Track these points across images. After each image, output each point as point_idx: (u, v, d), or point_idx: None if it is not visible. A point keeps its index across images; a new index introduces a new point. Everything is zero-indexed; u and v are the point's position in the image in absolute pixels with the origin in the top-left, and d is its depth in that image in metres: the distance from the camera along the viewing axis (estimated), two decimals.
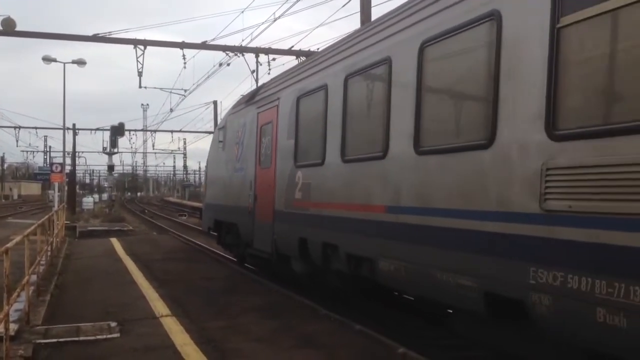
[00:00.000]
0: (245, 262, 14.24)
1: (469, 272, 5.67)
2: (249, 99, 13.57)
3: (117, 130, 36.43)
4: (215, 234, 16.11)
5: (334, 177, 8.66)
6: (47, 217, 14.09)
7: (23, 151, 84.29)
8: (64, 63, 31.98)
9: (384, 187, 7.25)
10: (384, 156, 7.26)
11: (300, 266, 10.32)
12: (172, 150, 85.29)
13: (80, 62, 31.62)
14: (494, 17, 5.50)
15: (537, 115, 5.00)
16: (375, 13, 13.95)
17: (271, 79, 13.18)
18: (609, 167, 4.34)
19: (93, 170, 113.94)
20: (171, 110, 38.28)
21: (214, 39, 21.72)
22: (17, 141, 57.70)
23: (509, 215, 5.24)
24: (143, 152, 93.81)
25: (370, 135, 7.75)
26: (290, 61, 21.65)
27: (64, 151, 35.95)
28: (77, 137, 44.88)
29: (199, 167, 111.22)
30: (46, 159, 74.66)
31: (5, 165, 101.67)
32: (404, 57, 7.02)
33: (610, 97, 4.58)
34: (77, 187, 62.88)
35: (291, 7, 32.29)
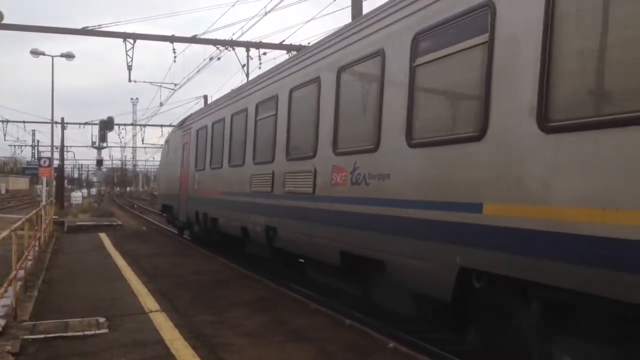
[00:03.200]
0: (183, 234, 20.84)
1: (239, 219, 12.60)
2: (181, 124, 20.80)
3: (106, 125, 36.08)
4: (165, 215, 23.75)
5: (209, 177, 15.72)
6: (34, 211, 13.96)
7: (11, 145, 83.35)
8: (52, 56, 31.66)
9: (222, 181, 14.19)
10: (222, 167, 14.28)
11: (197, 228, 17.67)
12: (161, 145, 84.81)
13: (69, 56, 31.30)
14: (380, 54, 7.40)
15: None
16: (367, 7, 13.91)
17: (190, 114, 20.57)
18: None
19: (82, 165, 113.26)
20: (161, 104, 38.11)
21: (204, 33, 21.75)
22: (4, 135, 57.15)
23: (245, 194, 12.05)
24: (132, 147, 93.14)
25: (218, 155, 14.59)
26: (281, 55, 21.59)
27: (52, 145, 35.67)
28: (65, 131, 44.60)
29: None
30: (34, 153, 73.96)
31: None
32: (238, 119, 13.35)
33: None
34: (66, 181, 62.44)
35: (282, 1, 32.07)
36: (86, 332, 7.12)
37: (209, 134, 15.79)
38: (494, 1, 5.52)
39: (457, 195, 5.81)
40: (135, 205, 52.46)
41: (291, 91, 10.07)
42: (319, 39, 10.04)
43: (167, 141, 23.78)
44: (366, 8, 14.74)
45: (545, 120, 4.79)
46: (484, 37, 5.55)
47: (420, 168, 6.50)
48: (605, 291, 4.26)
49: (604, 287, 4.27)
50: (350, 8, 15.25)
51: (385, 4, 7.49)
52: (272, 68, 12.02)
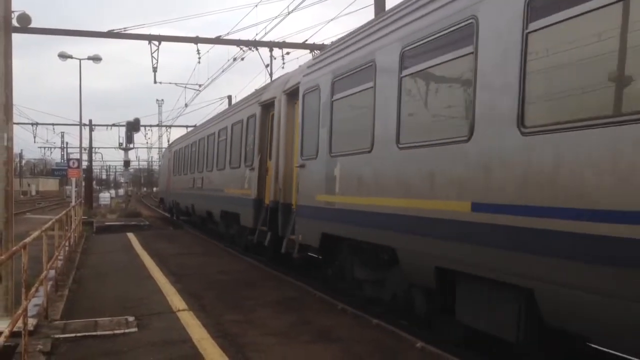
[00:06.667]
0: (174, 217, 30.93)
1: (185, 203, 25.09)
2: (169, 146, 34.16)
3: (133, 126, 36.55)
4: (161, 204, 39.42)
5: (177, 180, 27.95)
6: (64, 212, 14.19)
7: (40, 147, 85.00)
8: (80, 59, 32.13)
9: (181, 182, 26.38)
10: (181, 175, 26.57)
11: (175, 211, 29.94)
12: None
13: (96, 59, 31.73)
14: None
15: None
16: (390, 3, 13.77)
17: (174, 140, 34.00)
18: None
19: (109, 166, 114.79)
20: (186, 105, 38.48)
21: (228, 34, 21.88)
22: (34, 137, 58.55)
23: (187, 189, 24.49)
24: (159, 147, 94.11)
25: (181, 167, 26.99)
26: (305, 55, 21.60)
27: (80, 147, 36.21)
28: (93, 133, 45.24)
29: None
30: (63, 155, 75.31)
31: (23, 162, 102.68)
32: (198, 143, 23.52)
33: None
34: (94, 182, 63.36)
35: (304, 0, 32.07)
36: (116, 331, 7.21)
37: (179, 154, 27.98)
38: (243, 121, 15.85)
39: (220, 187, 17.58)
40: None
41: (198, 140, 22.34)
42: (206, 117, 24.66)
43: (162, 155, 41.32)
44: (389, 3, 14.63)
45: (249, 166, 14.53)
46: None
47: (218, 178, 18.09)
48: (238, 210, 15.16)
49: (237, 209, 15.31)
50: (373, 6, 15.17)
51: None
52: (198, 126, 27.42)
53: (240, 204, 14.83)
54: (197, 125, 28.73)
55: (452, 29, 6.28)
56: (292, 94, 11.61)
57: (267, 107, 13.32)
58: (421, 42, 6.82)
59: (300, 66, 12.73)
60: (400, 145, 7.15)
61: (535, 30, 5.19)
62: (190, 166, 23.80)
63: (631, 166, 4.15)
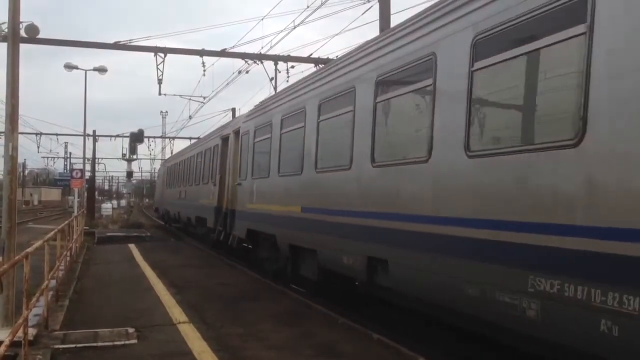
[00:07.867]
0: (167, 224, 35.81)
1: (174, 210, 30.97)
2: (164, 162, 44.37)
3: (136, 137, 36.74)
4: (156, 212, 48.51)
5: (169, 191, 34.14)
6: (66, 222, 14.18)
7: (44, 157, 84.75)
8: (85, 70, 32.32)
9: (172, 193, 32.13)
10: (172, 187, 32.93)
11: (166, 217, 35.82)
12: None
13: (102, 70, 31.89)
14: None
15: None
16: (394, 20, 13.88)
17: (168, 158, 45.17)
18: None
19: (112, 177, 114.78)
20: (190, 117, 38.57)
21: (233, 47, 21.82)
22: (38, 147, 58.23)
23: (176, 198, 30.62)
24: (162, 159, 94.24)
25: (172, 180, 33.00)
26: (309, 69, 21.66)
27: (84, 157, 36.36)
28: (97, 143, 45.43)
29: None
30: (66, 165, 75.41)
31: (27, 171, 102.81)
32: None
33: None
34: (97, 193, 63.38)
35: (310, 15, 32.23)
36: (115, 343, 7.18)
37: (170, 170, 33.62)
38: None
39: (196, 198, 22.91)
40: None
41: (184, 160, 28.05)
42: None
43: (158, 170, 48.30)
44: (394, 20, 14.74)
45: (213, 182, 19.60)
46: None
47: (195, 191, 23.47)
48: (206, 215, 20.46)
49: (205, 214, 20.48)
50: (377, 22, 15.24)
51: None
52: (179, 152, 34.97)
53: (207, 210, 19.94)
54: (188, 146, 35.43)
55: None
56: (238, 133, 16.20)
57: (225, 140, 18.33)
58: (291, 113, 11.40)
59: (245, 112, 17.85)
60: (280, 174, 11.65)
61: None
62: (177, 181, 30.39)
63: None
